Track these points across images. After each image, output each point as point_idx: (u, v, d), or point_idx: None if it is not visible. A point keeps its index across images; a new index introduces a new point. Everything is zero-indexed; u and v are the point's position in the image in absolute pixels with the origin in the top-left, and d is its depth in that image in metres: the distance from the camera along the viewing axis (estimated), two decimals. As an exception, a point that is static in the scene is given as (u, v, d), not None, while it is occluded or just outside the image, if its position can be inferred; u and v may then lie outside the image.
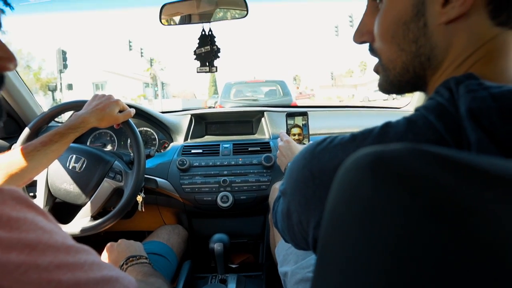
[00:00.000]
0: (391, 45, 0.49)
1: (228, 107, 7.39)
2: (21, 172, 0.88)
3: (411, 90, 0.53)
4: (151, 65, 30.08)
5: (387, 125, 0.42)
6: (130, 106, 1.47)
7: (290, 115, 1.25)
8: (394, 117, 1.47)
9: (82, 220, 1.16)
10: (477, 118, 0.35)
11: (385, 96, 26.32)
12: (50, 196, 1.20)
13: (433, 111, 0.39)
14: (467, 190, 0.23)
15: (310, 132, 1.25)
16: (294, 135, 1.23)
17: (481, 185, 0.23)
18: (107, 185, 1.17)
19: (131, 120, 1.15)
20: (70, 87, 17.64)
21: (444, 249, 0.22)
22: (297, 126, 1.23)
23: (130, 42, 23.55)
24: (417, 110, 0.41)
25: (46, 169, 1.18)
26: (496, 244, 0.21)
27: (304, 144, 1.20)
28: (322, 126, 1.57)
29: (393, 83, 0.52)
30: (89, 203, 1.16)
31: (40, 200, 1.19)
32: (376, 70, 0.54)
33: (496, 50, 0.42)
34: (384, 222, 0.25)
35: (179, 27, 1.27)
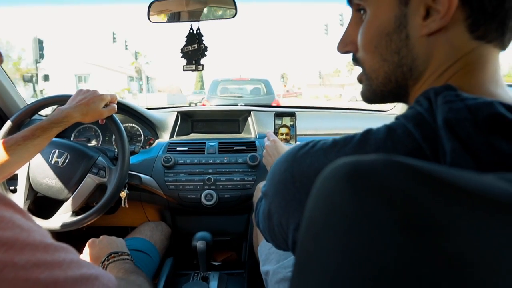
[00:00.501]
0: (374, 55, 0.51)
1: (214, 103, 7.78)
2: (1, 166, 0.88)
3: (393, 100, 0.55)
4: (136, 59, 29.44)
5: (368, 132, 0.43)
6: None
7: (278, 115, 1.26)
8: (380, 120, 1.51)
9: (64, 216, 1.16)
10: (453, 128, 0.36)
11: (373, 97, 27.35)
12: (31, 190, 1.20)
13: (412, 120, 0.40)
14: (437, 204, 0.24)
15: (297, 133, 1.28)
16: (282, 134, 1.24)
17: (450, 199, 0.24)
18: (90, 180, 1.17)
19: (115, 116, 1.15)
20: (46, 78, 17.09)
21: (413, 262, 0.23)
22: (284, 126, 1.25)
23: (114, 34, 22.87)
24: (397, 118, 0.43)
25: (28, 163, 1.18)
26: (461, 258, 0.22)
27: (291, 144, 1.22)
28: (308, 127, 1.60)
29: (375, 93, 0.54)
30: (71, 198, 1.16)
31: (20, 195, 1.18)
32: (360, 79, 0.56)
33: (473, 62, 0.44)
34: (358, 233, 0.25)
35: (166, 23, 1.28)
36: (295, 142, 1.24)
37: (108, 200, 1.14)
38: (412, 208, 0.24)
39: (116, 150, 1.22)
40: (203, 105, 8.22)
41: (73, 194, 1.16)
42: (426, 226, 0.23)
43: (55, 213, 1.17)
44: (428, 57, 0.46)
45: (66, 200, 1.17)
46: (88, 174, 1.17)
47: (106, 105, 1.09)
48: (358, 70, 0.57)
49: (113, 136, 1.56)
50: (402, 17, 0.47)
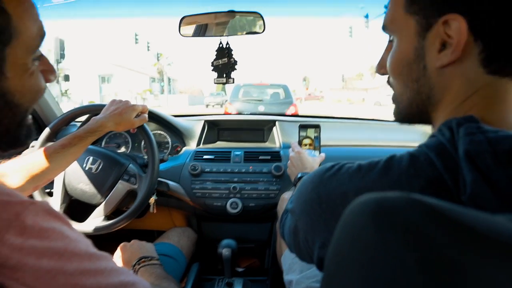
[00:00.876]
0: (399, 81, 0.56)
1: (236, 106, 8.35)
2: (41, 173, 0.93)
3: (419, 122, 0.58)
4: (158, 60, 29.31)
5: (391, 158, 0.47)
6: None
7: (303, 127, 1.30)
8: (404, 132, 1.51)
9: (96, 220, 1.22)
10: (473, 160, 0.38)
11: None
12: (67, 195, 1.27)
13: (434, 149, 0.43)
14: (453, 246, 0.26)
15: (330, 143, 1.31)
16: (305, 145, 1.28)
17: (465, 242, 0.26)
18: (121, 187, 1.23)
19: (146, 125, 1.21)
20: (66, 78, 17.37)
21: None
22: (308, 137, 1.28)
23: (136, 35, 23.05)
24: (420, 146, 0.46)
25: (62, 172, 1.25)
26: None
27: (315, 155, 1.26)
28: (332, 137, 1.62)
29: (402, 115, 0.58)
30: (103, 203, 1.23)
31: (57, 198, 1.25)
32: (392, 99, 0.60)
33: (493, 96, 0.47)
34: (379, 267, 0.27)
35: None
36: (319, 153, 1.27)
37: (139, 206, 1.19)
38: (430, 249, 0.26)
39: (146, 157, 1.28)
40: (225, 108, 8.87)
41: (106, 199, 1.23)
42: (444, 268, 0.25)
43: (87, 216, 1.23)
44: (444, 88, 0.50)
45: (99, 204, 1.23)
46: (120, 181, 1.23)
47: (137, 115, 1.15)
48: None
49: (142, 142, 1.63)
50: (420, 49, 0.51)
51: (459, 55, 0.46)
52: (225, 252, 1.22)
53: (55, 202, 1.25)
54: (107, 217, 1.24)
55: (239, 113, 7.70)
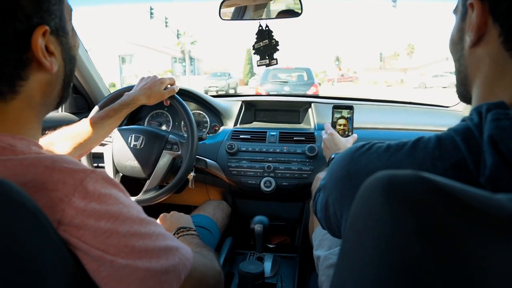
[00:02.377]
0: (453, 59, 0.61)
1: (266, 87, 9.80)
2: (84, 142, 1.06)
3: (467, 102, 0.61)
4: (178, 38, 27.15)
5: (419, 140, 0.50)
6: (185, 90, 1.64)
7: (336, 108, 1.34)
8: (440, 116, 1.57)
9: (149, 191, 1.33)
10: (496, 144, 0.41)
11: (445, 83, 24.11)
12: (117, 172, 1.39)
13: (461, 133, 0.46)
14: (451, 218, 0.30)
15: (355, 126, 1.34)
16: (340, 125, 1.32)
17: (462, 215, 0.30)
18: (167, 155, 1.34)
19: (177, 96, 1.29)
20: None
21: (425, 261, 0.29)
22: (343, 118, 1.32)
23: (151, 9, 20.95)
24: (448, 130, 0.49)
25: (111, 150, 1.38)
26: (464, 264, 0.28)
27: (348, 135, 1.30)
28: (367, 120, 1.66)
29: (457, 92, 0.63)
30: (153, 174, 1.33)
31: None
32: None
33: None
34: (387, 234, 0.32)
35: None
36: (352, 133, 1.31)
37: (179, 180, 1.28)
38: (429, 218, 0.30)
39: (185, 135, 1.38)
40: (256, 89, 10.91)
41: (155, 170, 1.33)
42: (439, 235, 0.29)
43: (140, 190, 1.34)
44: (475, 68, 0.54)
45: (149, 177, 1.34)
46: (164, 151, 1.34)
47: (165, 88, 1.25)
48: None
49: (182, 122, 1.74)
50: (461, 30, 0.55)
51: (476, 36, 0.50)
52: (257, 227, 1.30)
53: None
54: (160, 187, 1.34)
55: (268, 94, 9.09)
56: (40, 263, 0.44)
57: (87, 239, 0.49)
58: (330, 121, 1.34)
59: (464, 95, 0.60)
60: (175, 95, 1.29)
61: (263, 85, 10.53)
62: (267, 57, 1.30)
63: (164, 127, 1.75)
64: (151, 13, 20.25)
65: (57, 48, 0.58)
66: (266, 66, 1.33)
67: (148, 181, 1.34)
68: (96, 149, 1.38)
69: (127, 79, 30.92)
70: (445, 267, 0.28)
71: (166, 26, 22.58)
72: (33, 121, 0.59)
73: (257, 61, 1.32)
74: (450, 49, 0.61)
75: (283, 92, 9.75)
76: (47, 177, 0.49)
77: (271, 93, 9.41)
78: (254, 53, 1.31)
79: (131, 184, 1.43)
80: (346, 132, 1.32)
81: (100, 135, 1.12)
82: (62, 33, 0.59)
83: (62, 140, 1.02)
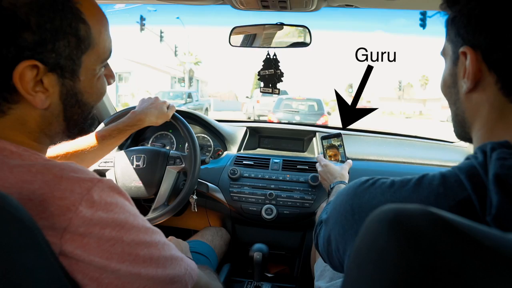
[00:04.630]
0: (447, 101, 0.63)
1: (278, 116, 10.78)
2: (83, 160, 1.08)
3: (467, 141, 0.63)
4: (175, 54, 24.23)
5: (423, 177, 0.52)
6: (190, 113, 1.71)
7: (324, 138, 1.39)
8: (445, 151, 1.60)
9: (158, 209, 1.34)
10: (502, 183, 0.42)
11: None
12: None
13: (465, 171, 0.47)
14: (463, 258, 0.29)
15: (359, 157, 1.38)
16: (330, 156, 1.37)
17: (469, 252, 0.29)
18: (171, 171, 1.36)
19: (180, 116, 1.34)
20: None
21: None
22: (333, 146, 1.36)
23: (161, 32, 20.58)
24: (453, 168, 0.50)
25: (114, 174, 1.40)
26: None
27: (342, 162, 1.33)
28: (372, 152, 1.69)
29: (454, 132, 0.66)
30: (160, 191, 1.35)
31: None
32: None
33: None
34: (392, 270, 0.31)
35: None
36: (346, 159, 1.34)
37: (180, 202, 1.31)
38: (437, 254, 0.30)
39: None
40: (269, 117, 12.07)
41: (160, 187, 1.35)
42: (448, 272, 0.29)
43: (147, 211, 1.36)
44: (474, 112, 0.56)
45: (155, 196, 1.36)
46: (167, 167, 1.37)
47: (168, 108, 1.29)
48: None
49: (186, 144, 1.78)
50: (454, 75, 0.58)
51: (473, 84, 0.52)
52: (256, 255, 1.31)
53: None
54: (167, 204, 1.36)
55: (279, 121, 9.88)
56: (33, 278, 0.45)
57: (91, 247, 0.50)
58: (321, 152, 1.39)
59: (463, 136, 0.62)
60: (177, 115, 1.34)
61: (275, 113, 11.84)
62: (270, 86, 1.36)
63: (168, 148, 1.80)
64: (142, 24, 18.13)
65: (55, 87, 0.58)
66: (268, 94, 1.39)
67: (156, 199, 1.36)
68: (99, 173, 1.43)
69: (123, 98, 30.02)
70: None
71: (161, 41, 21.08)
72: (32, 144, 0.60)
73: (261, 87, 1.38)
74: (443, 92, 0.63)
75: (294, 121, 10.71)
76: (55, 186, 0.51)
77: (282, 121, 10.50)
78: (259, 79, 1.37)
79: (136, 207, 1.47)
80: (339, 160, 1.36)
81: (99, 154, 1.14)
82: (69, 75, 0.59)
83: (60, 157, 1.04)
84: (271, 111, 12.36)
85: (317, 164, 1.31)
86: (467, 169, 0.47)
